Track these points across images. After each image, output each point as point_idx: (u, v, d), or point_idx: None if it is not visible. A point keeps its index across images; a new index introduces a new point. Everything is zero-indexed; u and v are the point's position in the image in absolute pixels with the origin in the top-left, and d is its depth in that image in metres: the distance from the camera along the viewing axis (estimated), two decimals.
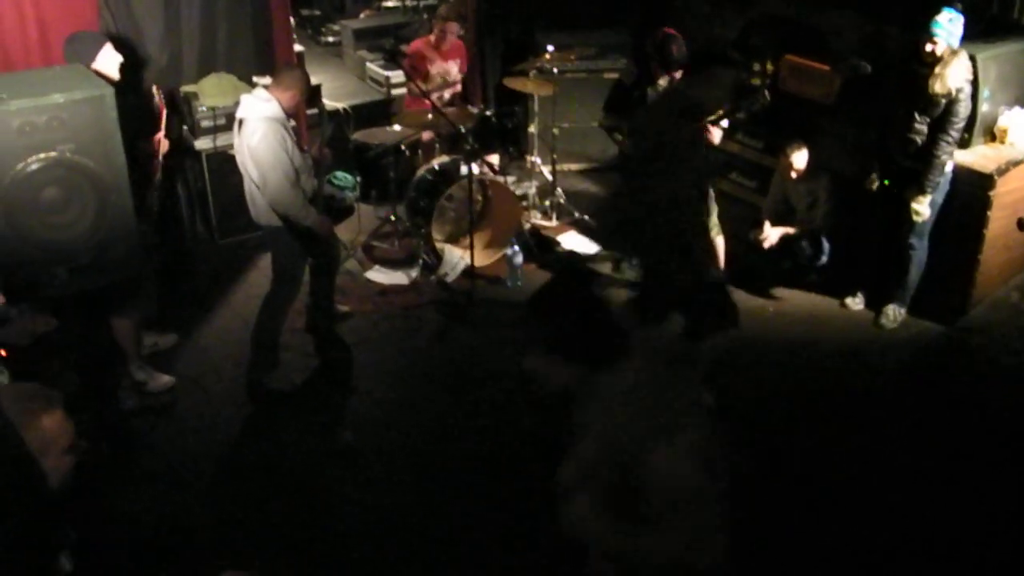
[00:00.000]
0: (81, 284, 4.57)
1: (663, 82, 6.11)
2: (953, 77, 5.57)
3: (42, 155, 4.28)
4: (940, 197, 5.89)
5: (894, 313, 6.26)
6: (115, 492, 4.86)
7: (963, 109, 5.65)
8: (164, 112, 6.03)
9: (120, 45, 5.60)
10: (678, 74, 6.08)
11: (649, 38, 6.16)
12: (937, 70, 5.58)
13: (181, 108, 7.08)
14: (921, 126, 5.74)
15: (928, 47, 5.57)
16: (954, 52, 5.59)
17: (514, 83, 7.68)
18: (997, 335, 6.07)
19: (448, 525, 4.69)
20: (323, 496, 4.92)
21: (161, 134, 5.95)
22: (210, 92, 7.02)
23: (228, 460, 5.26)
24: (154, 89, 6.07)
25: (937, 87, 5.59)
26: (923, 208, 5.82)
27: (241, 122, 5.29)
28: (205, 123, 7.14)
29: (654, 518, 2.53)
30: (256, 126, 5.18)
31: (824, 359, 6.00)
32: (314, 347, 6.09)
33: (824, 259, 6.53)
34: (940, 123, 5.68)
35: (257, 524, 4.76)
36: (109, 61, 5.39)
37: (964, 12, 5.60)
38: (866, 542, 4.55)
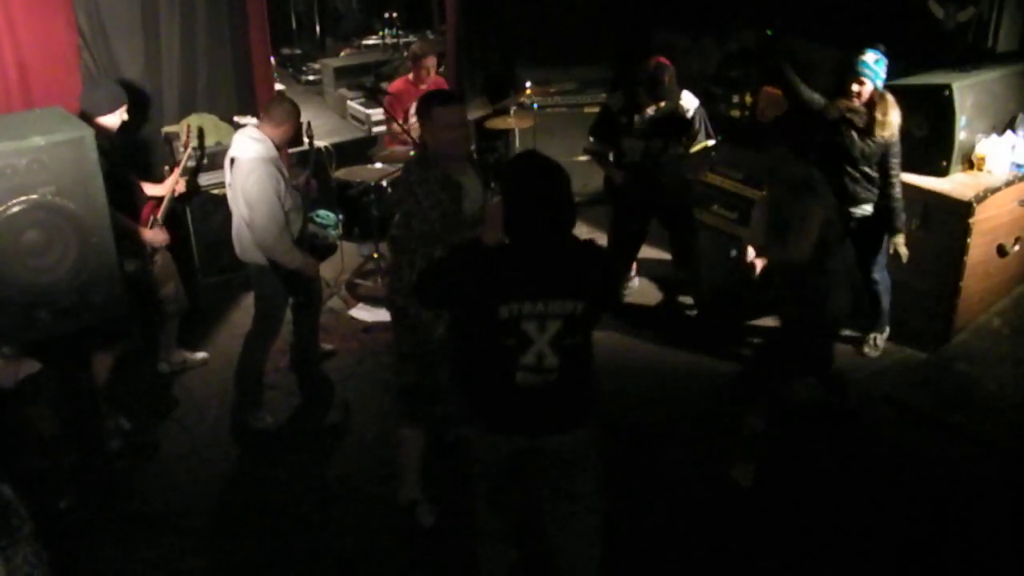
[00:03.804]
0: (64, 326, 4.54)
1: (650, 111, 6.15)
2: (895, 119, 5.63)
3: (23, 198, 4.26)
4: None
5: (874, 341, 6.30)
6: (100, 535, 4.82)
7: (899, 147, 5.70)
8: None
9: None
10: (663, 103, 6.12)
11: (641, 66, 6.19)
12: (879, 116, 5.61)
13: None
14: (856, 174, 5.77)
15: (855, 87, 5.61)
16: (882, 94, 5.65)
17: (495, 123, 7.70)
18: (980, 361, 6.09)
19: (433, 564, 4.66)
20: (308, 536, 4.88)
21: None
22: (193, 132, 7.01)
23: (213, 500, 5.21)
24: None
25: (885, 132, 5.62)
26: (905, 249, 5.86)
27: (232, 160, 5.27)
28: (188, 163, 7.12)
29: None
30: (249, 167, 5.13)
31: (809, 388, 6.00)
32: (298, 386, 6.07)
33: None
34: (884, 167, 5.72)
35: (242, 564, 4.72)
36: (116, 118, 5.56)
37: (887, 54, 5.67)
38: (851, 571, 4.54)
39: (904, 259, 5.88)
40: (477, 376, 3.65)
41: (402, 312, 4.68)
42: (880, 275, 6.09)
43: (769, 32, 6.02)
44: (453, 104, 4.62)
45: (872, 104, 5.65)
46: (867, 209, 5.84)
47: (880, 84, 5.66)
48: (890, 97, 5.65)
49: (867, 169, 5.75)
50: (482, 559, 3.98)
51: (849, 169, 5.77)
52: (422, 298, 3.79)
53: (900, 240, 5.84)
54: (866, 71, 5.61)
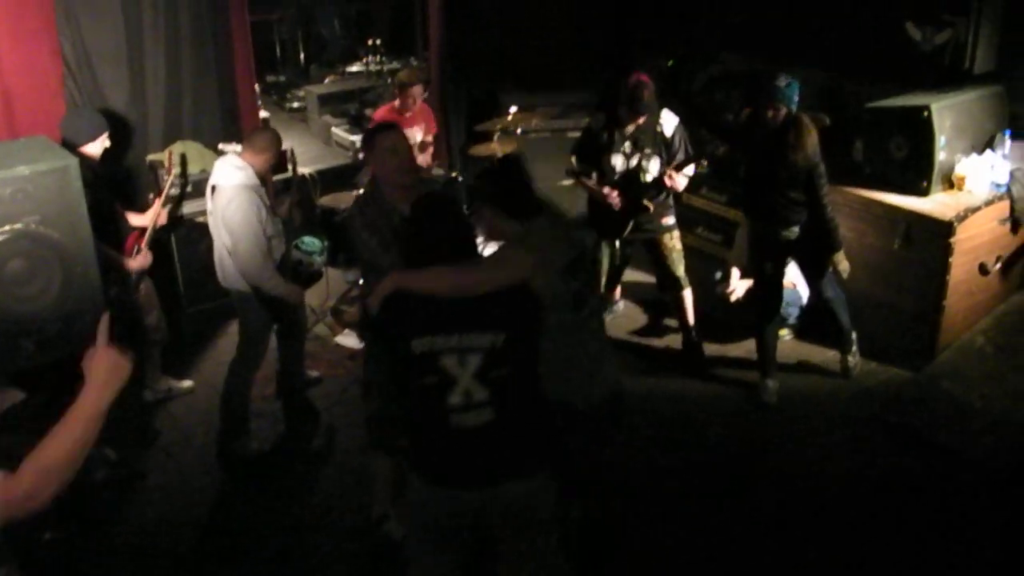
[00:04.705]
0: (49, 356, 4.53)
1: (631, 128, 6.17)
2: (812, 144, 5.55)
3: (7, 227, 4.26)
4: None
5: (845, 360, 6.34)
6: (87, 565, 4.80)
7: (823, 169, 5.63)
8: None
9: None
10: (642, 120, 6.13)
11: (621, 82, 6.21)
12: (791, 140, 5.53)
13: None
14: (782, 199, 5.73)
15: (770, 112, 5.57)
16: (798, 118, 5.58)
17: (479, 150, 7.73)
18: (964, 379, 6.11)
19: None
20: (293, 563, 4.86)
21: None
22: (176, 160, 7.02)
23: (200, 529, 5.20)
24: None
25: (800, 159, 5.54)
26: (846, 263, 5.81)
27: (214, 188, 5.28)
28: (171, 191, 7.13)
29: None
30: (230, 195, 5.15)
31: (795, 407, 6.02)
32: (284, 413, 6.05)
33: (793, 311, 6.60)
34: (812, 190, 5.63)
35: None
36: (98, 145, 5.59)
37: (797, 79, 5.63)
38: None
39: (845, 274, 5.86)
40: (415, 428, 3.49)
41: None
42: (832, 292, 6.10)
43: (671, 63, 6.04)
44: (391, 130, 4.72)
45: (786, 129, 5.59)
46: (796, 231, 5.81)
47: (794, 108, 5.61)
48: (806, 120, 5.58)
49: (792, 194, 5.68)
50: None
51: (775, 194, 5.73)
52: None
53: (840, 257, 5.80)
54: (777, 96, 5.58)
